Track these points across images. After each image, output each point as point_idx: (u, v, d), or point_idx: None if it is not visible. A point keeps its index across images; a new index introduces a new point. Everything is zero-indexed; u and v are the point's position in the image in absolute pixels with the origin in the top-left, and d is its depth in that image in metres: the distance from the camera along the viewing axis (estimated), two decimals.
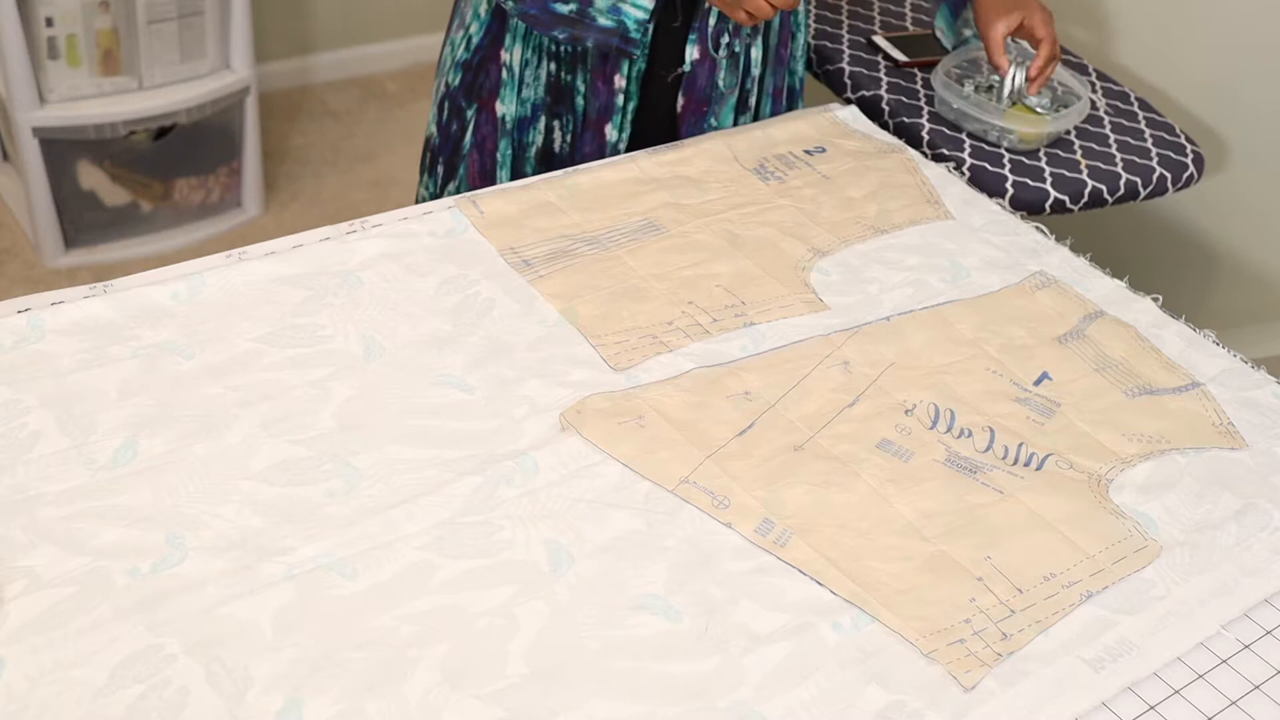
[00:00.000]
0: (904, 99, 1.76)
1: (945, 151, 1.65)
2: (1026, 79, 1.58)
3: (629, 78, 1.41)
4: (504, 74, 1.45)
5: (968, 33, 1.82)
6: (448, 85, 1.51)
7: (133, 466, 0.97)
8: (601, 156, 1.45)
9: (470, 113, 1.49)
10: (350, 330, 1.13)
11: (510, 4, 1.37)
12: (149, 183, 2.45)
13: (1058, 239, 1.38)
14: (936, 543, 0.99)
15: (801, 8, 1.53)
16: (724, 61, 1.46)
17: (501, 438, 1.04)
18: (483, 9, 1.44)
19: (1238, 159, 1.95)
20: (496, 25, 1.44)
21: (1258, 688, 0.92)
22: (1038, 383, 1.17)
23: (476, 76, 1.48)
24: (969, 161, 1.64)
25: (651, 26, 1.37)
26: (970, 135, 1.69)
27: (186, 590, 0.88)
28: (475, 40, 1.46)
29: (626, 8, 1.33)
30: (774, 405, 1.10)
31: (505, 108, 1.47)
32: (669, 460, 1.03)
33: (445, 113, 1.53)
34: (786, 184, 1.40)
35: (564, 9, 1.35)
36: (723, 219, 1.32)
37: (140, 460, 0.98)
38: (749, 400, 1.10)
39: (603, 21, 1.34)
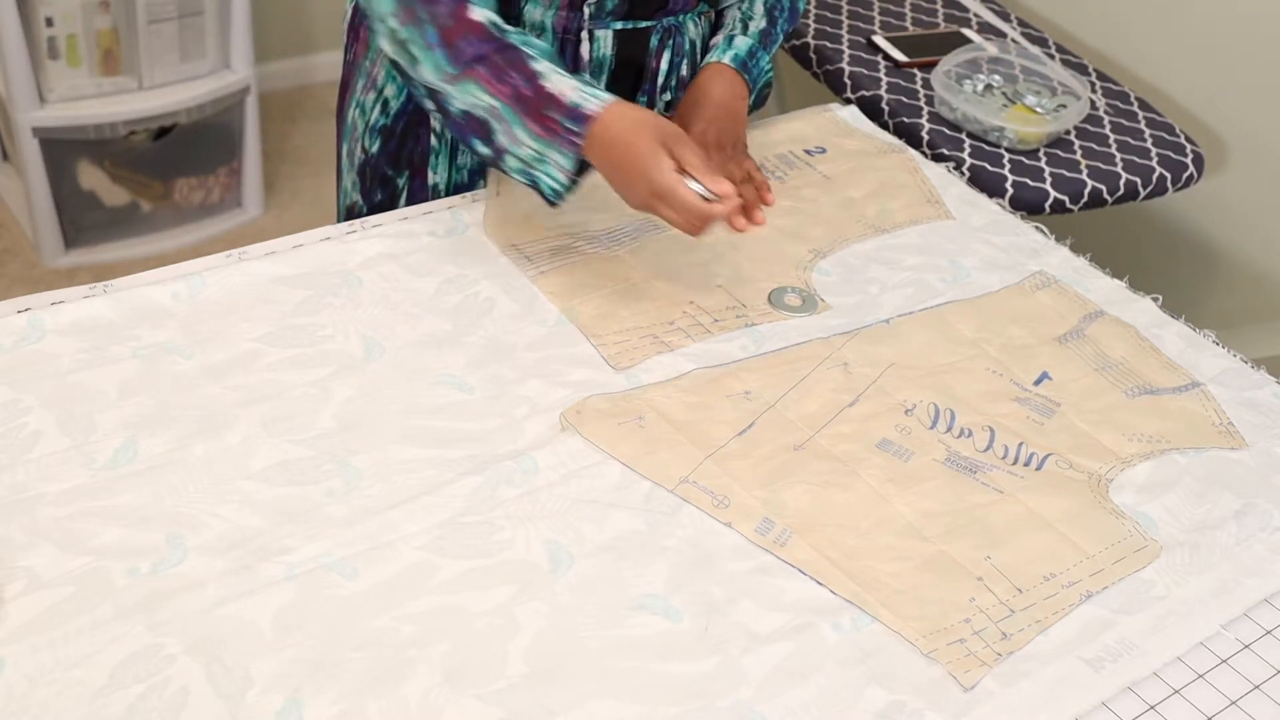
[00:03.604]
0: (904, 99, 1.76)
1: (945, 151, 1.65)
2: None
3: None
4: (434, 140, 1.34)
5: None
6: (365, 151, 1.38)
7: (133, 466, 0.97)
8: None
9: (402, 181, 1.37)
10: (350, 330, 1.13)
11: (432, 111, 1.21)
12: (149, 183, 2.45)
13: (1058, 239, 1.38)
14: (936, 542, 0.99)
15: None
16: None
17: (501, 438, 1.04)
18: None
19: (1238, 159, 1.95)
20: None
21: (1258, 688, 0.92)
22: (1038, 383, 1.17)
23: (403, 143, 1.35)
24: (969, 161, 1.64)
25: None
26: (970, 135, 1.69)
27: (186, 590, 0.88)
28: (395, 105, 1.33)
29: (540, 174, 1.17)
30: (774, 405, 1.10)
31: (438, 176, 1.35)
32: (669, 460, 1.03)
33: (369, 181, 1.39)
34: (787, 184, 1.40)
35: (481, 148, 1.19)
36: None
37: (140, 460, 0.98)
38: (749, 400, 1.10)
39: (518, 177, 1.19)
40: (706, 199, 1.11)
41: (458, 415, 1.06)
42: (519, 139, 1.15)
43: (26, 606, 0.86)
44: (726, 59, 1.35)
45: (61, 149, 2.30)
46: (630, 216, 1.31)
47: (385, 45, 1.18)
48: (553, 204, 1.19)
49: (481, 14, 1.16)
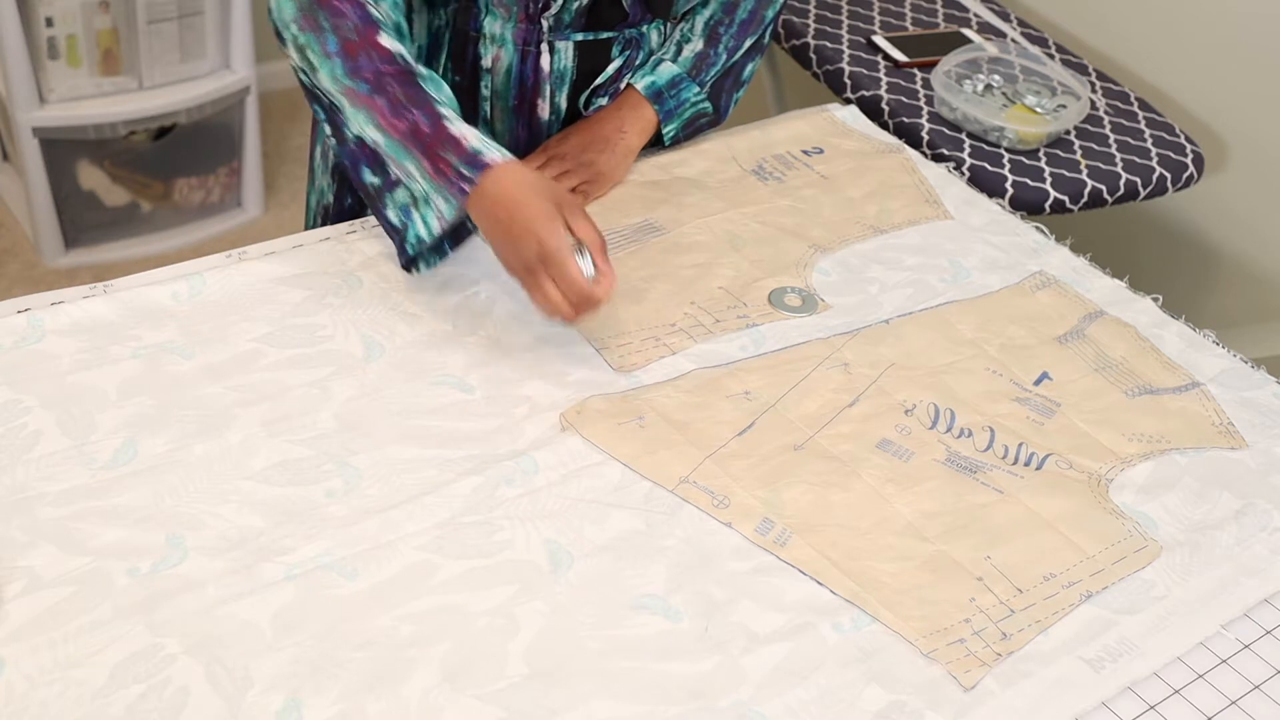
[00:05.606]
0: (904, 99, 1.76)
1: (945, 151, 1.65)
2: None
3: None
4: None
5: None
6: (336, 155, 1.33)
7: (133, 466, 0.97)
8: None
9: None
10: (350, 330, 1.13)
11: (333, 144, 1.19)
12: (149, 183, 2.45)
13: (1058, 239, 1.38)
14: (936, 542, 0.99)
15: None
16: None
17: (501, 438, 1.04)
18: None
19: (1238, 159, 1.95)
20: None
21: (1258, 688, 0.93)
22: (1038, 383, 1.17)
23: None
24: (969, 161, 1.64)
25: (435, 254, 1.19)
26: (970, 135, 1.69)
27: (186, 590, 0.88)
28: None
29: (416, 217, 1.14)
30: (774, 405, 1.10)
31: None
32: (669, 460, 1.03)
33: (342, 183, 1.38)
34: (785, 184, 1.40)
35: (370, 179, 1.16)
36: (723, 219, 1.32)
37: (140, 460, 0.98)
38: (749, 400, 1.10)
39: (390, 214, 1.16)
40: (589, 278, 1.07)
41: (458, 415, 1.06)
42: (411, 174, 1.12)
43: (26, 606, 0.86)
44: (641, 85, 1.34)
45: (61, 149, 2.30)
46: (629, 218, 1.31)
47: (291, 53, 1.16)
48: (409, 266, 1.16)
49: (391, 43, 1.13)
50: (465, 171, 1.09)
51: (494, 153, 1.10)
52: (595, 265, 1.07)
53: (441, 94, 1.13)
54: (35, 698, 0.81)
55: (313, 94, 1.18)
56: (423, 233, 1.14)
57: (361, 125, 1.13)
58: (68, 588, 0.88)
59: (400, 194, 1.15)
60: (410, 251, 1.16)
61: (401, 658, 0.86)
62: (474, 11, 1.26)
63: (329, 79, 1.13)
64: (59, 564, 0.89)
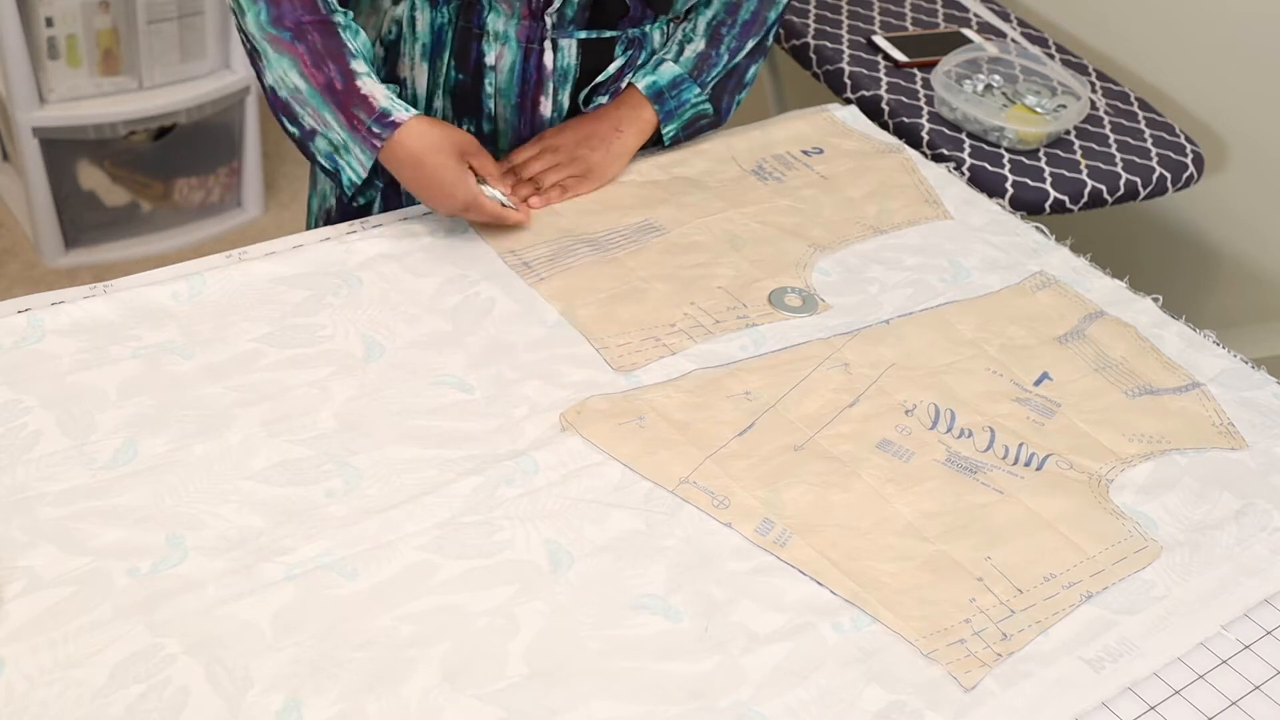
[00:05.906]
0: (904, 99, 1.76)
1: (945, 151, 1.65)
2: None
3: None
4: None
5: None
6: None
7: (133, 466, 0.97)
8: None
9: (372, 191, 1.30)
10: (350, 330, 1.13)
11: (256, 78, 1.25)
12: (149, 183, 2.45)
13: (1058, 239, 1.38)
14: (936, 543, 0.99)
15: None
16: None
17: (502, 438, 1.04)
18: None
19: (1238, 159, 1.95)
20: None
21: (1258, 688, 0.93)
22: (1038, 383, 1.17)
23: None
24: (969, 161, 1.64)
25: (377, 195, 1.30)
26: (970, 135, 1.69)
27: (186, 590, 0.88)
28: None
29: (343, 163, 1.22)
30: (774, 405, 1.10)
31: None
32: (669, 460, 1.03)
33: None
34: (785, 184, 1.40)
35: (289, 127, 1.23)
36: (723, 219, 1.32)
37: (140, 460, 0.98)
38: (749, 400, 1.10)
39: (322, 161, 1.23)
40: (506, 205, 1.23)
41: (458, 415, 1.06)
42: (329, 123, 1.20)
43: (26, 606, 0.86)
44: (642, 85, 1.34)
45: (61, 149, 2.30)
46: (628, 218, 1.31)
47: None
48: (349, 198, 1.26)
49: None
50: (375, 129, 1.19)
51: (401, 111, 1.19)
52: (503, 193, 1.23)
53: (357, 42, 1.21)
54: (35, 698, 0.81)
55: (241, 35, 1.22)
56: (352, 175, 1.23)
57: (285, 70, 1.19)
58: (68, 588, 0.88)
59: (320, 143, 1.22)
60: (347, 193, 1.25)
61: (401, 658, 0.86)
62: (477, 8, 1.26)
63: (254, 24, 1.18)
64: (59, 564, 0.89)
